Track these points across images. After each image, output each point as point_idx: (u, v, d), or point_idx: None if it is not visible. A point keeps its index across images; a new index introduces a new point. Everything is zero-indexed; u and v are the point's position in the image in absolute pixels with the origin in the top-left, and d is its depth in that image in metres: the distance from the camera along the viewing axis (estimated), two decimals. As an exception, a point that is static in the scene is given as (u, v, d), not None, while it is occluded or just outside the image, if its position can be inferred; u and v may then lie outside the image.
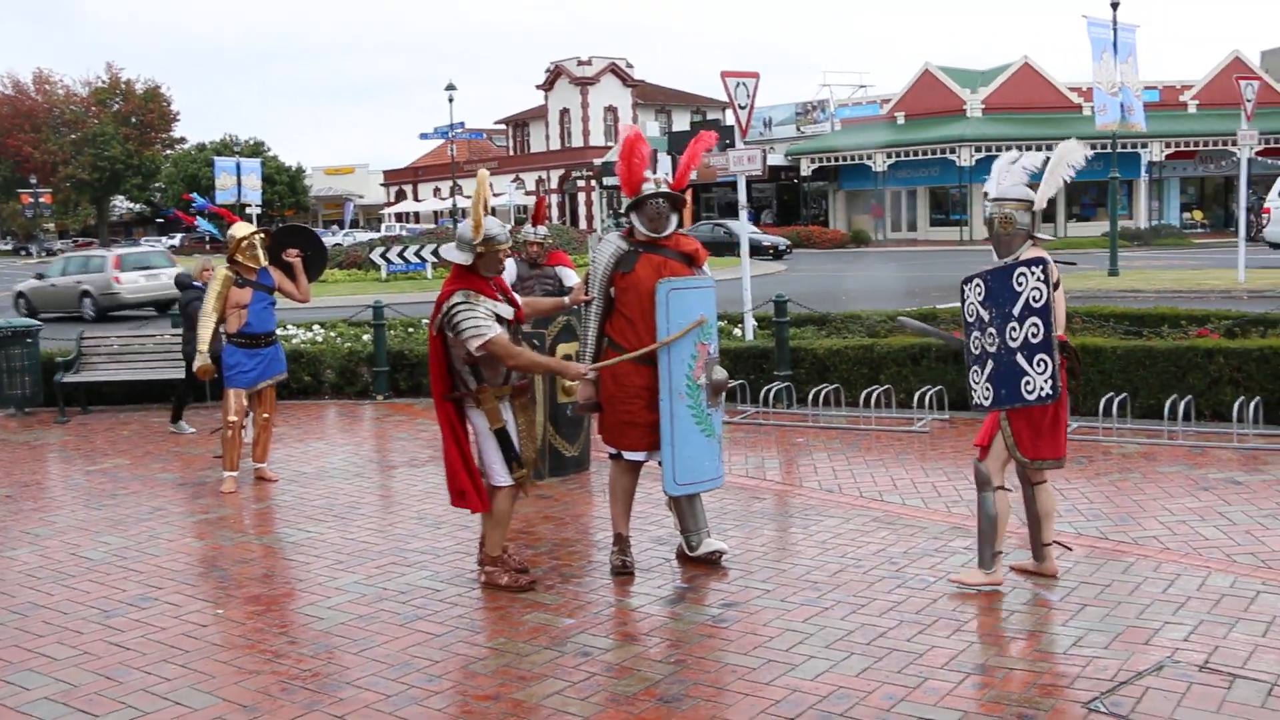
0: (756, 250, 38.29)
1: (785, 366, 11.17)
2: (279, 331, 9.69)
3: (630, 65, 73.68)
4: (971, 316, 5.84)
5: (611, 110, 72.80)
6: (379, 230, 68.36)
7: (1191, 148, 47.63)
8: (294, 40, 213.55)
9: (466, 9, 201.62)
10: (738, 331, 12.85)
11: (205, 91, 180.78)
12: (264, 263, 8.89)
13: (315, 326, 15.01)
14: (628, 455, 6.16)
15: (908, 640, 5.11)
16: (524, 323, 6.09)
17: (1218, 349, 9.54)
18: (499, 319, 5.77)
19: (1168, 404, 9.08)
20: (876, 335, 11.91)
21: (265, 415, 8.97)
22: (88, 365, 12.71)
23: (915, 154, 49.07)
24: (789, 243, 43.85)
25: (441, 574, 6.36)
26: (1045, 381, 5.39)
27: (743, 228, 14.14)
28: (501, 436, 5.87)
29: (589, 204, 68.45)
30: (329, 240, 63.25)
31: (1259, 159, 36.47)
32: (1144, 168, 46.27)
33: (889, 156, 49.75)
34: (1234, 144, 42.67)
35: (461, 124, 49.43)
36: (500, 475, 5.91)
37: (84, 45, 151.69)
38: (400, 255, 32.88)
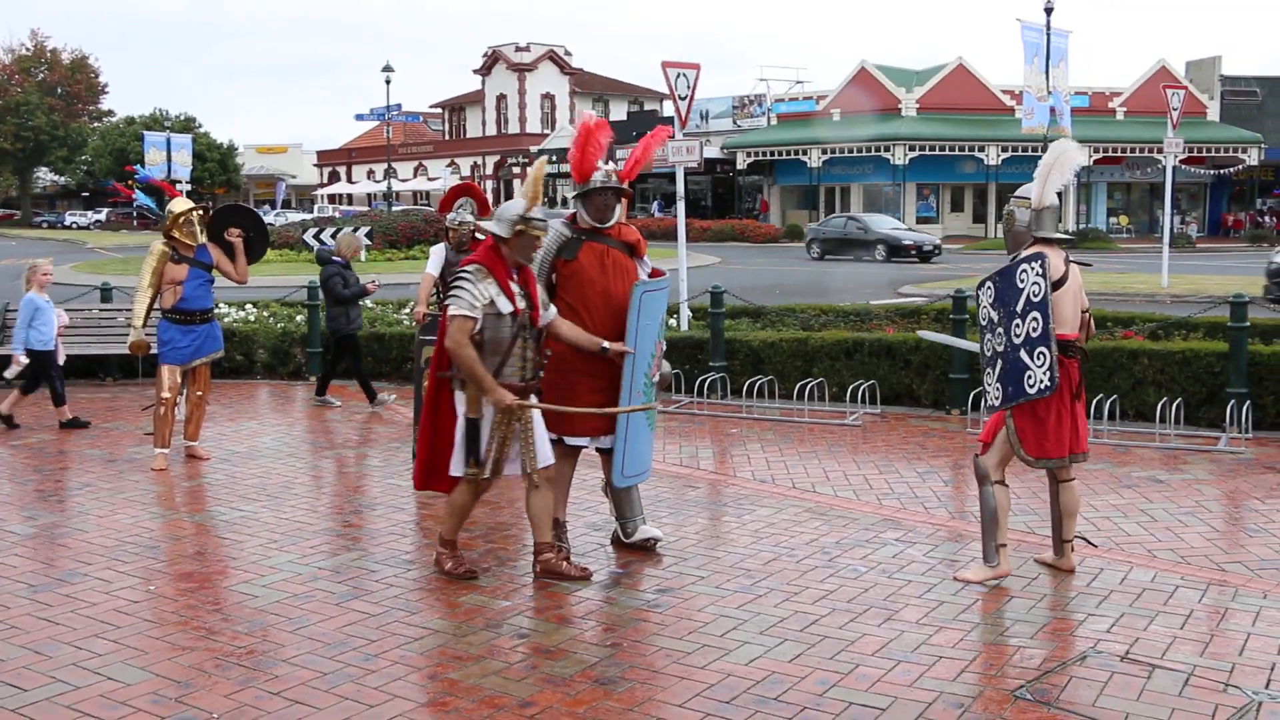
0: (897, 251, 35.48)
1: (720, 357, 11.26)
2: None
3: (569, 53, 73.54)
4: (985, 320, 5.96)
5: (549, 98, 72.61)
6: (311, 211, 67.52)
7: (1119, 154, 48.60)
8: (228, 15, 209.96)
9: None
10: (673, 322, 12.92)
11: (135, 64, 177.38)
12: (202, 240, 8.78)
13: (248, 306, 14.82)
14: (569, 441, 6.17)
15: (839, 628, 5.20)
16: (536, 325, 5.80)
17: (1142, 350, 9.78)
18: (498, 313, 5.61)
19: (1093, 404, 9.30)
20: (810, 329, 12.04)
21: (199, 393, 8.87)
22: (10, 338, 12.42)
23: (850, 151, 49.51)
24: (938, 241, 37.70)
25: (377, 555, 6.35)
26: (1044, 374, 5.49)
27: (680, 219, 14.20)
28: (470, 427, 5.67)
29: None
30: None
31: (1183, 167, 37.25)
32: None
33: (824, 153, 50.14)
34: (1159, 151, 43.70)
35: (398, 106, 49.02)
36: (456, 465, 5.76)
37: (8, 11, 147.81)
38: (333, 237, 32.43)
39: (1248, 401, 9.13)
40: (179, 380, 8.72)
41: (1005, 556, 5.86)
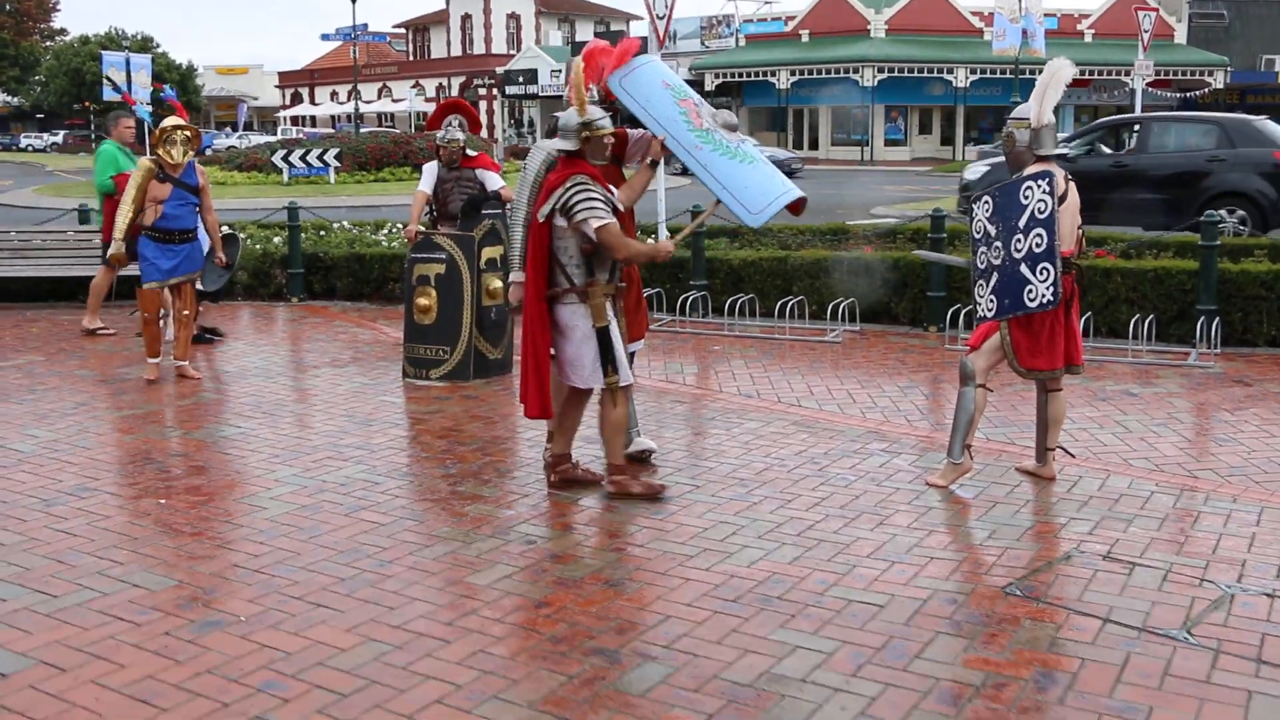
0: None
1: (701, 276, 11.40)
2: None
3: (535, -28, 72.46)
4: (979, 233, 6.09)
5: (514, 18, 71.71)
6: (274, 133, 66.64)
7: (1086, 76, 48.69)
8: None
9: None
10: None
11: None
12: (185, 158, 8.77)
13: (224, 228, 14.74)
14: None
15: (834, 532, 5.42)
16: (630, 218, 5.96)
17: (1114, 269, 10.01)
18: (614, 210, 5.73)
19: (1068, 320, 9.52)
20: (788, 248, 12.18)
21: (185, 312, 8.93)
22: (-10, 260, 12.40)
23: (819, 72, 49.33)
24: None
25: (379, 468, 6.50)
26: (1047, 289, 5.66)
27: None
28: (603, 336, 5.74)
29: (490, 113, 67.56)
30: (223, 142, 61.58)
31: (1149, 90, 37.42)
32: (1040, 94, 47.13)
33: (792, 74, 49.97)
34: (1127, 74, 43.81)
35: (365, 26, 48.27)
36: (593, 377, 5.78)
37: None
38: (303, 159, 32.26)
39: (1217, 318, 9.38)
40: (161, 297, 8.81)
41: (969, 455, 6.11)
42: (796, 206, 6.08)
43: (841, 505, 5.81)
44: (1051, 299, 5.68)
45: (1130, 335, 9.29)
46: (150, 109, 33.98)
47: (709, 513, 5.69)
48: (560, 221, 5.71)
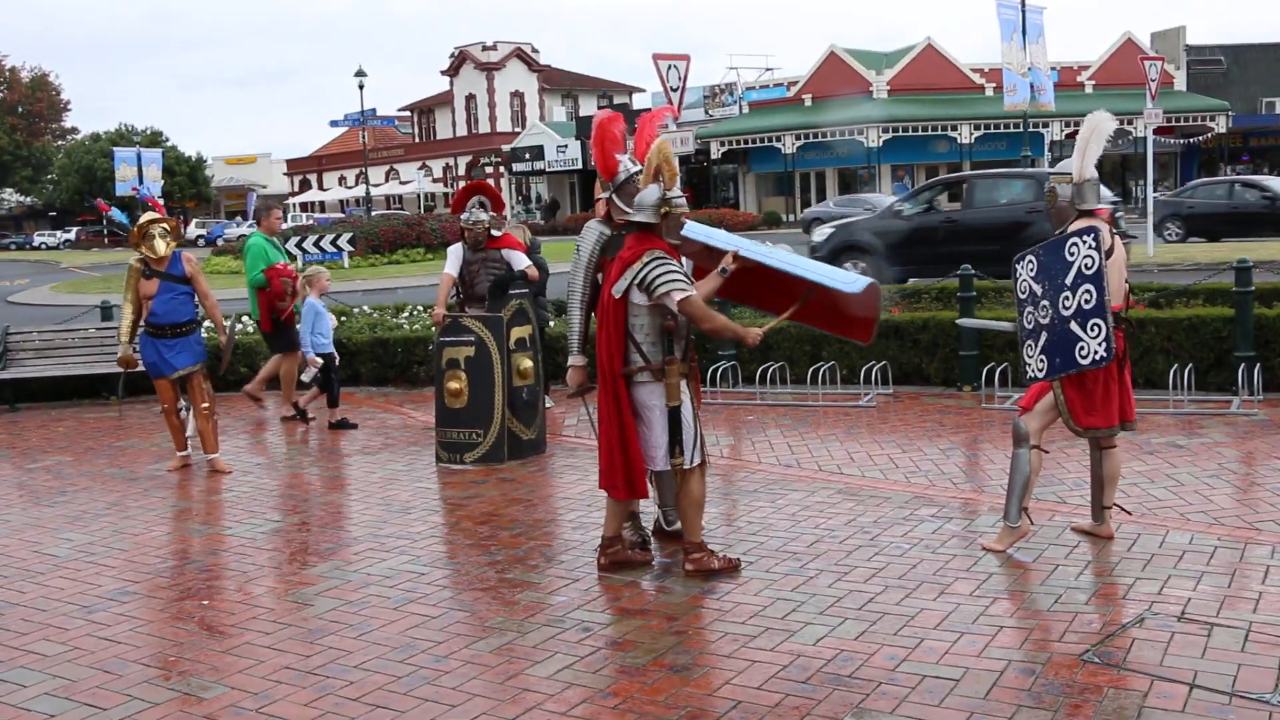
0: None
1: (729, 346, 11.32)
2: (208, 324, 9.88)
3: (535, 50, 73.45)
4: (1024, 293, 6.00)
5: (518, 95, 72.51)
6: (284, 220, 67.19)
7: (1088, 127, 48.82)
8: (186, 26, 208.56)
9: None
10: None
11: (96, 80, 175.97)
12: (165, 251, 8.68)
13: (244, 318, 14.78)
14: None
15: (896, 604, 5.27)
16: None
17: (1148, 319, 9.90)
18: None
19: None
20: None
21: (203, 405, 8.83)
22: (15, 362, 12.39)
23: (823, 135, 49.66)
24: None
25: (422, 558, 6.38)
26: (1099, 345, 5.56)
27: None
28: (674, 416, 5.65)
29: (497, 190, 68.10)
30: (235, 231, 62.08)
31: (1154, 137, 37.55)
32: (1046, 147, 47.44)
33: (797, 139, 50.30)
34: (1129, 122, 43.98)
35: (373, 110, 48.85)
36: (660, 459, 5.70)
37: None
38: (316, 245, 32.44)
39: (1257, 364, 9.25)
40: (172, 391, 8.82)
41: (1026, 518, 5.97)
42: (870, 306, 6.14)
43: (899, 575, 5.67)
44: (1105, 355, 5.58)
45: (1170, 385, 9.16)
46: (163, 202, 34.34)
47: (766, 589, 5.55)
48: (638, 298, 5.60)
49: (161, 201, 16.31)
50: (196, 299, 8.84)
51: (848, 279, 5.95)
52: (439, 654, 4.92)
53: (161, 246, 8.67)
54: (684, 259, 6.05)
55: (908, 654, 4.68)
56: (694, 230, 6.16)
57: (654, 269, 5.53)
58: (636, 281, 5.58)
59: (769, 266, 5.93)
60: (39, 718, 4.46)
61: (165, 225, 8.81)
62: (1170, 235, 27.51)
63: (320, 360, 10.33)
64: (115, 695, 4.64)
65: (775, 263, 5.93)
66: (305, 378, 10.55)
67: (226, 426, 10.35)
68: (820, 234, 19.37)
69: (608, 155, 6.24)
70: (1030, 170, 20.07)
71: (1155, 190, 32.18)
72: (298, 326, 10.43)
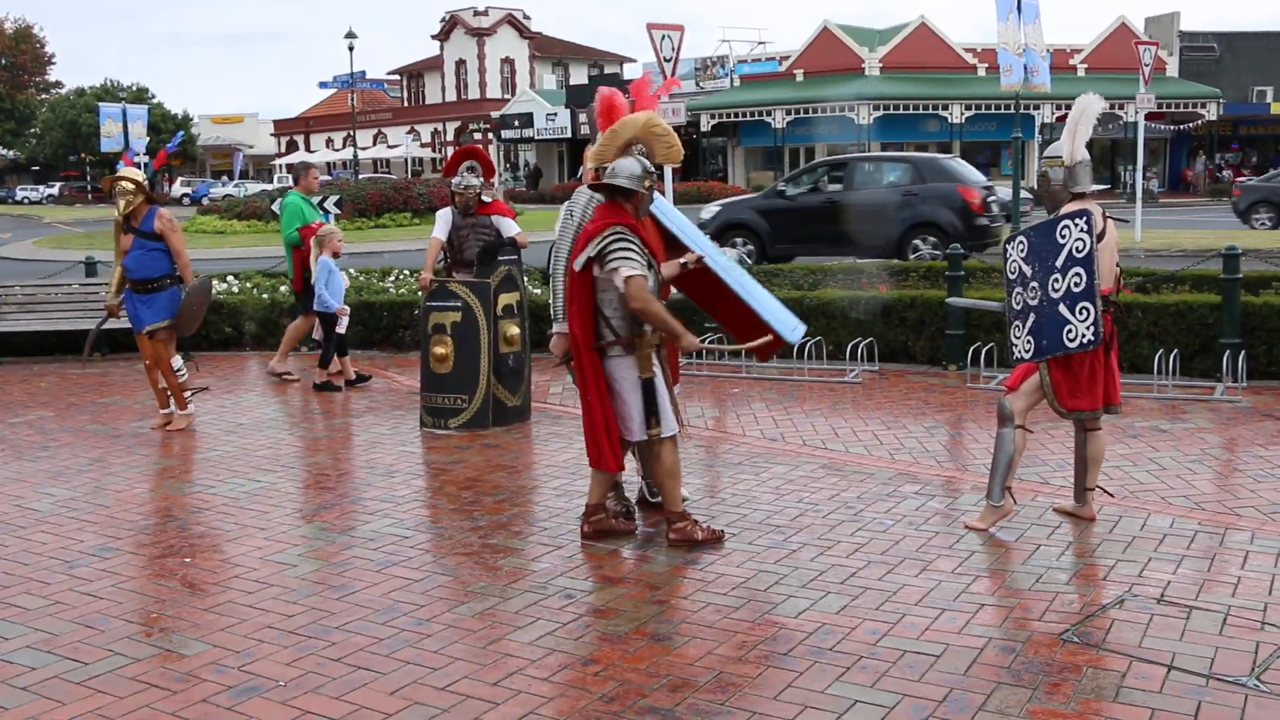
0: None
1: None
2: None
3: (527, 17, 72.89)
4: (1014, 274, 5.99)
5: (508, 62, 72.00)
6: (270, 181, 66.78)
7: (1079, 110, 48.79)
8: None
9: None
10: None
11: (83, 34, 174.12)
12: (122, 210, 8.67)
13: (229, 278, 14.71)
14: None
15: (879, 579, 5.29)
16: (661, 278, 5.84)
17: (1135, 304, 9.92)
18: (650, 264, 5.63)
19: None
20: (802, 288, 12.11)
21: (145, 362, 8.94)
22: (-3, 315, 12.30)
23: (814, 111, 49.50)
24: None
25: (405, 521, 6.38)
26: (1087, 329, 5.56)
27: (668, 182, 14.19)
28: (648, 388, 5.63)
29: (489, 156, 67.74)
30: (220, 190, 61.66)
31: (1145, 123, 37.63)
32: (1037, 129, 47.44)
33: (788, 114, 50.11)
34: (1121, 107, 43.95)
35: (363, 73, 48.52)
36: (638, 430, 5.69)
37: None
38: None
39: (1242, 352, 9.29)
40: (149, 348, 8.83)
41: (1009, 497, 6.00)
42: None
43: (882, 551, 5.69)
44: (1092, 339, 5.59)
45: (1155, 370, 9.20)
46: (148, 159, 34.09)
47: (748, 562, 5.57)
48: (599, 271, 5.61)
49: (138, 159, 16.15)
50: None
51: (789, 325, 6.24)
52: (421, 617, 4.93)
53: (121, 204, 8.67)
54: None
55: (889, 629, 4.70)
56: (671, 218, 6.21)
57: (613, 242, 5.51)
58: (595, 254, 5.55)
59: (724, 283, 6.07)
60: (20, 670, 4.45)
61: (128, 183, 8.74)
62: (1260, 222, 26.07)
63: (348, 309, 10.41)
64: (97, 650, 4.63)
65: (732, 284, 6.07)
66: (340, 330, 10.51)
67: (211, 386, 10.29)
68: (709, 211, 19.91)
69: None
70: (908, 155, 21.17)
71: (1144, 176, 32.31)
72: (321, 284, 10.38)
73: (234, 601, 5.16)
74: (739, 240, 18.50)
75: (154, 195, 8.92)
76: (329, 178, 55.38)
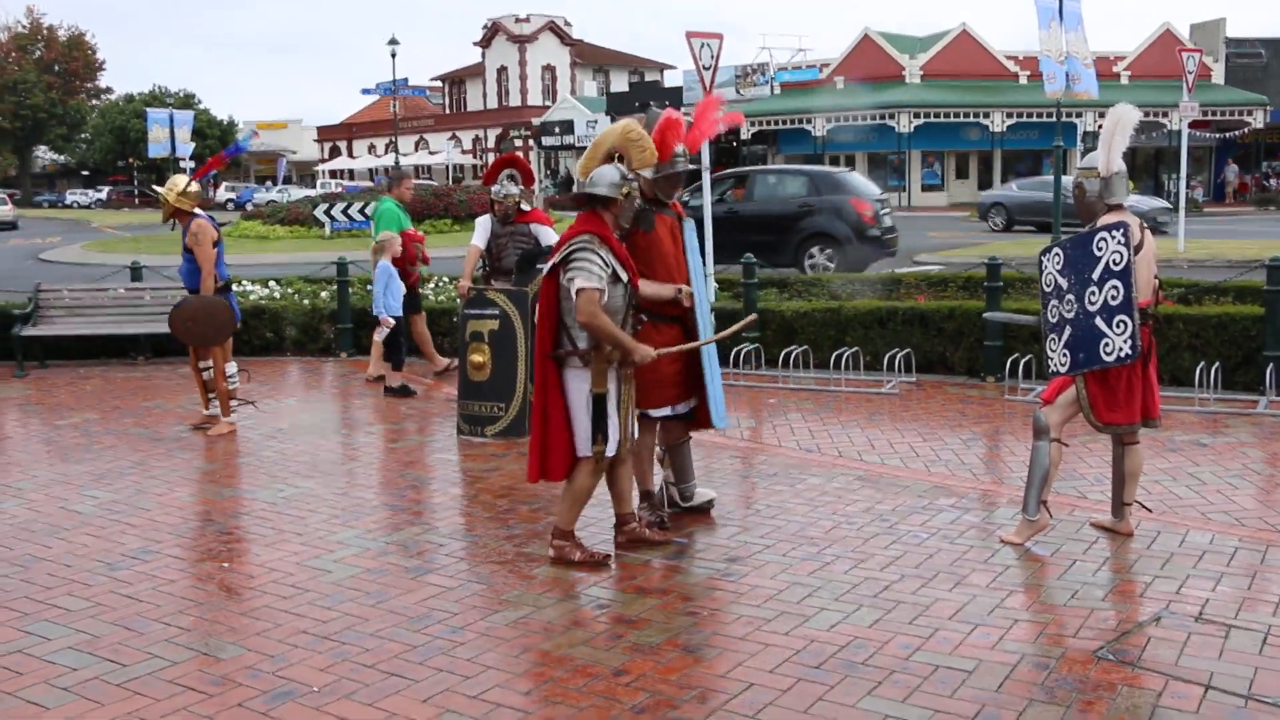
0: None
1: (754, 328, 11.30)
2: (236, 288, 10.08)
3: (569, 24, 73.19)
4: (1049, 286, 5.96)
5: (549, 69, 72.30)
6: (314, 187, 67.36)
7: (1124, 118, 48.29)
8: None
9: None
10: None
11: (132, 40, 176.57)
12: (166, 219, 9.10)
13: (271, 283, 14.86)
14: (653, 413, 6.22)
15: (912, 593, 5.28)
16: (638, 294, 5.80)
17: (1176, 315, 9.83)
18: (615, 277, 5.54)
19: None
20: (839, 298, 12.09)
21: (200, 365, 9.23)
22: (45, 319, 12.49)
23: (854, 119, 49.37)
24: None
25: (441, 529, 6.42)
26: (1125, 342, 5.53)
27: (706, 191, 14.23)
28: (598, 403, 5.53)
29: (529, 163, 67.95)
30: (264, 196, 62.29)
31: (1189, 130, 37.26)
32: (1079, 137, 47.07)
33: (829, 121, 50.00)
34: (1164, 115, 43.52)
35: (405, 80, 48.86)
36: (583, 446, 5.59)
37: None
38: (344, 213, 32.49)
39: (1285, 364, 9.18)
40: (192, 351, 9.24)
41: (1045, 511, 5.95)
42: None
43: (916, 565, 5.67)
44: (1130, 353, 5.55)
45: (1196, 383, 9.11)
46: (194, 164, 34.51)
47: (782, 574, 5.56)
48: (562, 278, 5.54)
49: (186, 165, 16.36)
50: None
51: (719, 413, 6.39)
52: (455, 625, 4.96)
53: (162, 216, 9.10)
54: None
55: (922, 643, 4.69)
56: (692, 254, 6.33)
57: (576, 251, 5.47)
58: (560, 260, 5.51)
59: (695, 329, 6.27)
60: (62, 671, 4.53)
61: (162, 192, 9.04)
62: None
63: (392, 320, 10.49)
64: (136, 652, 4.70)
65: (703, 345, 6.21)
66: (377, 337, 10.60)
67: (249, 391, 10.38)
68: None
69: (668, 143, 6.23)
70: (805, 168, 22.10)
71: (1189, 185, 32.02)
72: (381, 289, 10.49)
73: (270, 606, 5.22)
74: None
75: (181, 207, 8.92)
76: (371, 184, 55.82)
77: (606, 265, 5.47)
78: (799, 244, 18.41)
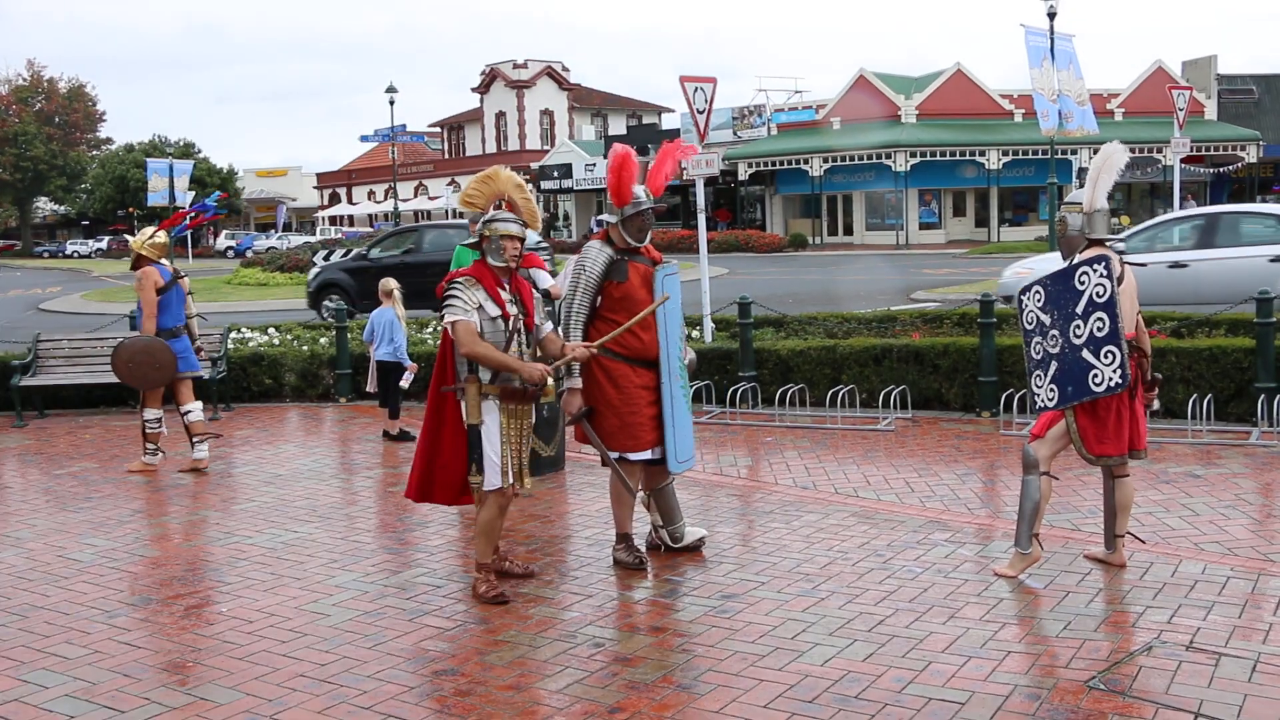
0: None
1: (749, 367, 11.37)
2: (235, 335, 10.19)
3: (566, 69, 73.83)
4: (1031, 324, 6.04)
5: (548, 113, 72.88)
6: (313, 234, 67.72)
7: (1118, 154, 48.57)
8: (224, 41, 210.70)
9: (398, 11, 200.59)
10: (696, 333, 13.03)
11: (132, 91, 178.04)
12: (136, 265, 9.45)
13: (270, 329, 14.95)
14: (632, 457, 6.28)
15: (906, 627, 5.31)
16: (530, 329, 5.94)
17: (1169, 348, 9.89)
18: (489, 316, 5.72)
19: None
20: (835, 336, 12.16)
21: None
22: (44, 368, 12.56)
23: (851, 159, 49.69)
24: None
25: (438, 571, 6.46)
26: (1114, 372, 5.59)
27: (702, 231, 14.33)
28: (472, 434, 5.75)
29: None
30: (264, 243, 62.61)
31: (1184, 165, 37.51)
32: (1074, 173, 47.35)
33: (825, 161, 50.33)
34: (1158, 151, 43.83)
35: (404, 126, 49.20)
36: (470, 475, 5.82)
37: (4, 42, 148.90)
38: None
39: (1278, 395, 9.23)
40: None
41: (1037, 544, 5.99)
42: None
43: (910, 599, 5.70)
44: (1120, 381, 5.61)
45: (1189, 415, 9.16)
46: (194, 213, 34.74)
47: (776, 610, 5.60)
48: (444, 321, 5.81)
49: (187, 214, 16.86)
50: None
51: (683, 455, 6.37)
52: (452, 666, 4.99)
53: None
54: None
55: (915, 676, 4.72)
56: (670, 306, 6.31)
57: (449, 292, 5.74)
58: (441, 302, 5.79)
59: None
60: (60, 718, 4.55)
61: (132, 241, 9.57)
62: None
63: (417, 366, 10.66)
64: (134, 699, 4.73)
65: (666, 389, 6.25)
66: (404, 383, 10.64)
67: (249, 438, 10.46)
68: (311, 272, 23.30)
69: (624, 185, 6.31)
70: (463, 222, 24.40)
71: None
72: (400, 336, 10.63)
73: (268, 650, 5.25)
74: (332, 299, 20.94)
75: (144, 254, 9.36)
76: (371, 229, 56.08)
77: (470, 301, 5.70)
78: None
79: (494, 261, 5.84)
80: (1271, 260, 13.72)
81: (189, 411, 9.37)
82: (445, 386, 5.90)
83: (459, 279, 5.80)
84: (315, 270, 22.97)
